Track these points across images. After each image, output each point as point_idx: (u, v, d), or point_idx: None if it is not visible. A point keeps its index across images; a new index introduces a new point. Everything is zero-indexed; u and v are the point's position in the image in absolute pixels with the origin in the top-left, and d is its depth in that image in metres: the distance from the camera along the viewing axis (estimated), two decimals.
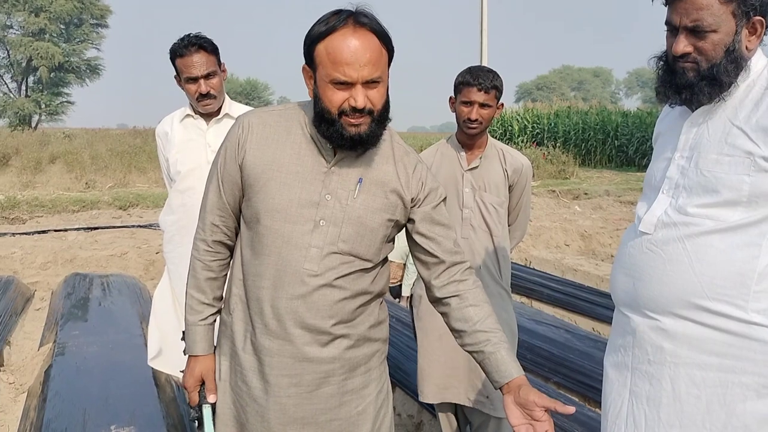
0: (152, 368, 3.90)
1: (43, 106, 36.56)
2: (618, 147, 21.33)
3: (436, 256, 1.74)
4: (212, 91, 2.81)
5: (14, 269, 6.98)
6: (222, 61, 2.88)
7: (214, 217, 1.75)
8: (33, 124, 35.44)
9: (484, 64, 18.62)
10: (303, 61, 1.63)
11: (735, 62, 1.53)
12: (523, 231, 2.92)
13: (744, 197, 1.50)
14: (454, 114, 2.68)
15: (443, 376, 2.74)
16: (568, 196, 12.47)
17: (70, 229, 8.96)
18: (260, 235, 1.65)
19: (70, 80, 38.11)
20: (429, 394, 2.77)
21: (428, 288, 1.78)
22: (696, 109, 1.62)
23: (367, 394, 1.76)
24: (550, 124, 23.31)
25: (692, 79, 1.56)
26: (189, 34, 2.79)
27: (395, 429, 1.90)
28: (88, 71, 38.46)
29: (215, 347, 1.83)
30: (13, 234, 8.63)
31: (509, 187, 2.75)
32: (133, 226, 9.28)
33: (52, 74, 36.05)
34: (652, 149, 1.84)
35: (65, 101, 38.40)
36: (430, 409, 3.60)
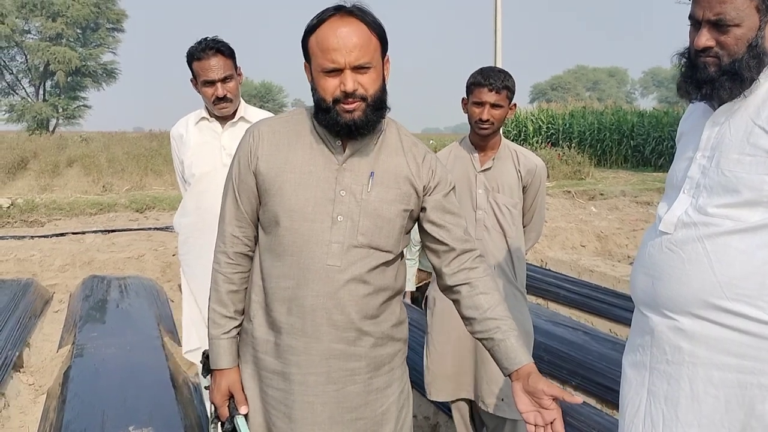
0: (170, 370, 3.94)
1: (60, 110, 36.94)
2: (634, 147, 21.17)
3: (446, 244, 1.76)
4: (229, 95, 2.83)
5: (33, 272, 7.05)
6: (238, 64, 2.90)
7: (234, 228, 1.77)
8: (51, 128, 35.83)
9: (498, 64, 18.55)
10: None
11: (757, 58, 1.51)
12: (538, 232, 2.91)
13: (765, 198, 1.49)
14: (467, 115, 2.68)
15: (456, 377, 2.75)
16: (583, 197, 12.39)
17: (88, 232, 9.03)
18: (280, 237, 1.67)
19: (87, 84, 38.49)
20: (441, 392, 2.77)
21: (439, 276, 1.80)
22: (718, 106, 1.60)
23: (390, 394, 1.77)
24: (565, 125, 23.19)
25: (713, 74, 1.55)
26: (206, 38, 2.81)
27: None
28: (104, 75, 38.83)
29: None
30: (32, 237, 8.71)
31: (523, 188, 2.74)
32: (149, 229, 9.34)
33: (69, 78, 36.41)
34: (668, 149, 1.84)
35: (82, 105, 38.79)
36: (446, 411, 3.59)
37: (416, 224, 1.82)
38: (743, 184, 1.50)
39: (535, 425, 1.56)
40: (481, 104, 2.60)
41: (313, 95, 1.66)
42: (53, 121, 37.10)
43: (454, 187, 1.80)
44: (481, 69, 2.65)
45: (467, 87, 2.66)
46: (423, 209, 1.76)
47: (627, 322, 5.00)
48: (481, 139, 2.70)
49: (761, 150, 1.49)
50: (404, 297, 3.40)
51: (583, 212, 10.98)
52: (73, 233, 8.95)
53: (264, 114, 2.92)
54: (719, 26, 1.52)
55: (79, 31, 37.20)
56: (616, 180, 15.77)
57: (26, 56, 36.62)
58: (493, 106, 2.59)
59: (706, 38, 1.54)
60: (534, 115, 24.50)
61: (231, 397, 1.80)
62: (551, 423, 1.54)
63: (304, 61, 1.68)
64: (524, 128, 23.94)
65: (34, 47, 35.43)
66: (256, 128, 1.76)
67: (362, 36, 1.58)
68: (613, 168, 20.18)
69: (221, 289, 1.80)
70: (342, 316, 1.66)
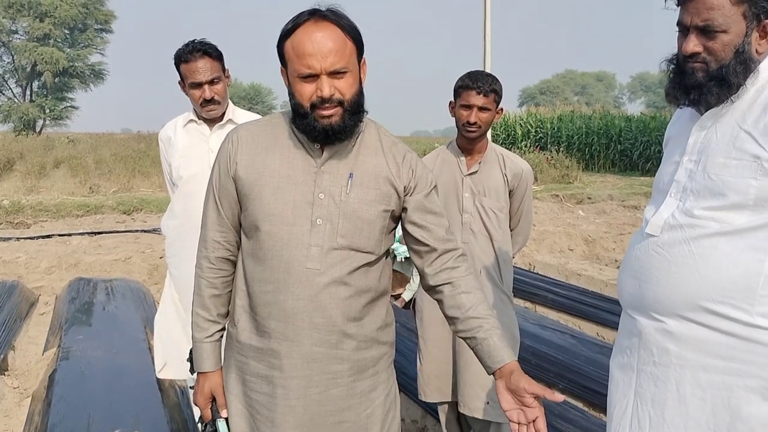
0: None
1: (47, 111, 36.69)
2: (621, 151, 21.32)
3: (428, 245, 1.75)
4: (216, 97, 2.82)
5: (19, 274, 7.00)
6: (226, 66, 2.89)
7: (215, 233, 1.78)
8: (37, 129, 35.57)
9: (487, 68, 18.61)
10: None
11: (744, 64, 1.53)
12: (525, 236, 2.92)
13: (750, 201, 1.50)
14: (454, 119, 2.69)
15: (444, 380, 2.76)
16: (571, 201, 12.45)
17: (75, 234, 8.98)
18: (261, 242, 1.67)
19: (75, 85, 38.25)
20: (435, 393, 2.78)
21: (422, 276, 1.80)
22: (705, 111, 1.62)
23: (375, 397, 1.77)
24: (554, 129, 23.31)
25: (701, 80, 1.57)
26: (194, 40, 2.80)
27: None
28: (92, 76, 38.61)
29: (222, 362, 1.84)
30: (18, 239, 8.65)
31: (509, 191, 2.75)
32: (136, 231, 9.30)
33: (57, 79, 36.18)
34: (656, 154, 1.86)
35: (69, 106, 38.54)
36: (434, 414, 3.59)
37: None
38: (729, 188, 1.52)
39: (518, 423, 1.56)
40: (468, 107, 2.61)
41: (290, 100, 1.66)
42: (40, 122, 36.83)
43: (435, 187, 1.79)
44: (469, 72, 2.66)
45: (455, 90, 2.66)
46: (404, 209, 1.75)
47: (614, 326, 5.03)
48: (468, 143, 2.71)
49: (747, 154, 1.50)
50: (399, 303, 3.42)
51: (571, 216, 11.03)
52: (60, 235, 8.90)
53: (252, 116, 2.91)
54: (707, 32, 1.53)
55: (66, 31, 37.00)
56: (603, 184, 15.86)
57: (13, 56, 36.36)
58: (481, 109, 2.60)
59: (693, 44, 1.56)
60: (523, 119, 24.61)
61: (214, 399, 1.81)
62: (533, 421, 1.55)
63: (280, 65, 1.68)
64: (513, 132, 24.04)
65: (22, 47, 35.18)
66: (235, 133, 1.76)
67: (337, 41, 1.57)
68: (600, 172, 20.31)
69: (204, 294, 1.80)
70: (323, 319, 1.65)
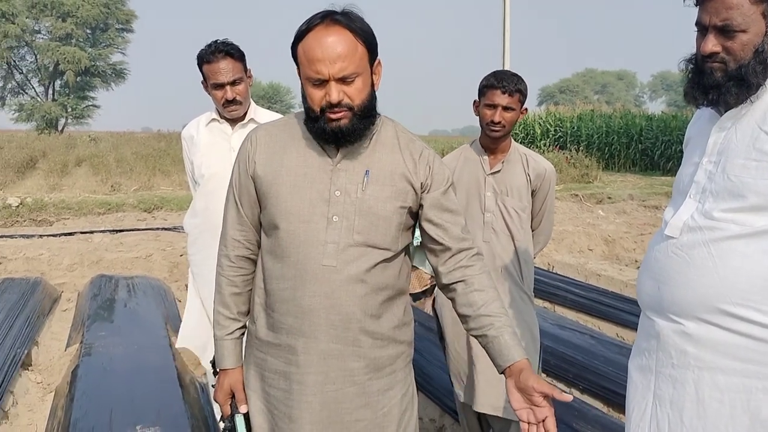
0: (177, 369, 3.96)
1: (69, 109, 37.16)
2: (642, 151, 21.10)
3: (443, 244, 1.76)
4: (238, 97, 2.85)
5: (42, 270, 7.10)
6: (248, 66, 2.91)
7: (235, 232, 1.81)
8: (59, 128, 36.02)
9: (506, 67, 18.56)
10: None
11: (763, 63, 1.52)
12: (547, 236, 2.91)
13: None
14: (478, 118, 2.69)
15: (466, 380, 2.76)
16: (591, 201, 12.36)
17: (96, 231, 9.08)
18: (279, 239, 1.70)
19: (96, 84, 38.72)
20: (464, 395, 2.77)
21: (436, 275, 1.81)
22: (724, 111, 1.61)
23: (392, 396, 1.77)
24: (573, 128, 23.13)
25: (720, 80, 1.56)
26: (216, 41, 2.82)
27: None
28: (113, 75, 39.06)
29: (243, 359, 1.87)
30: (41, 236, 8.77)
31: (532, 191, 2.75)
32: (157, 229, 9.38)
33: (79, 78, 36.63)
34: (677, 153, 1.85)
35: (91, 105, 39.02)
36: (452, 413, 3.60)
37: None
38: (749, 189, 1.51)
39: (528, 423, 1.56)
40: (493, 107, 2.60)
41: (303, 102, 1.68)
42: (62, 121, 37.31)
43: (452, 184, 1.79)
44: (494, 72, 2.66)
45: (480, 89, 2.66)
46: (421, 206, 1.76)
47: (634, 327, 4.99)
48: (491, 142, 2.71)
49: (767, 155, 1.50)
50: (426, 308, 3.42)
51: (591, 216, 10.96)
52: (82, 233, 9.00)
53: (274, 116, 2.94)
54: (726, 32, 1.52)
55: (88, 31, 37.43)
56: (624, 184, 15.73)
57: (36, 56, 36.85)
58: (505, 108, 2.60)
59: (712, 44, 1.55)
60: (542, 118, 24.45)
61: (234, 396, 1.84)
62: (543, 420, 1.55)
63: (296, 66, 1.69)
64: (532, 131, 23.90)
65: (44, 47, 35.65)
66: (254, 134, 1.79)
67: (347, 46, 1.58)
68: (621, 172, 20.13)
69: (224, 292, 1.83)
70: (339, 316, 1.67)
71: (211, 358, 1.94)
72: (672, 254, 1.65)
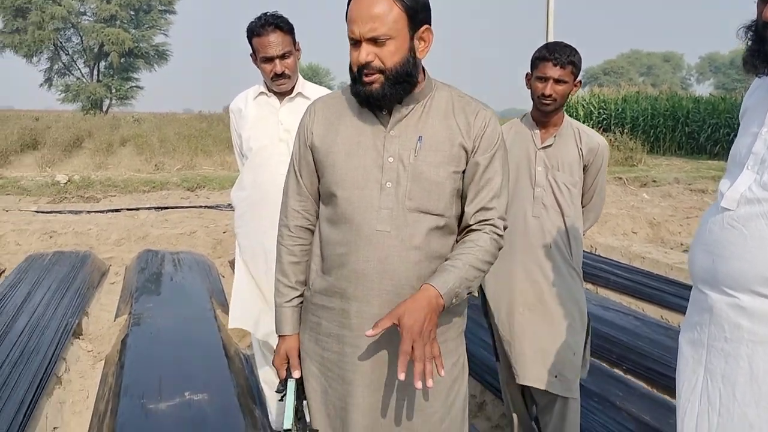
0: (222, 341, 4.03)
1: (113, 90, 37.88)
2: (688, 134, 20.59)
3: (463, 212, 1.75)
4: (287, 71, 2.85)
5: (90, 245, 7.30)
6: (297, 40, 2.91)
7: (294, 203, 1.84)
8: (104, 108, 36.73)
9: None
10: None
11: None
12: (597, 213, 2.87)
13: None
14: (530, 91, 2.64)
15: (515, 353, 2.74)
16: (635, 184, 12.14)
17: (142, 208, 9.28)
18: (335, 206, 1.73)
19: (139, 65, 39.37)
20: (521, 376, 2.71)
21: None
22: None
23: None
24: (618, 110, 22.67)
25: None
26: (266, 13, 2.82)
27: None
28: (156, 57, 39.63)
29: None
30: (89, 212, 9.00)
31: (584, 167, 2.70)
32: (201, 207, 9.54)
33: (122, 60, 37.27)
34: (724, 137, 1.80)
35: (134, 86, 39.72)
36: (493, 389, 3.60)
37: None
38: None
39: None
40: (544, 79, 2.55)
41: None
42: (107, 102, 38.04)
43: (499, 149, 1.75)
44: (546, 43, 2.61)
45: (532, 61, 2.62)
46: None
47: (680, 309, 4.91)
48: (542, 116, 2.66)
49: None
50: None
51: (635, 199, 10.78)
52: (128, 209, 9.21)
53: (322, 90, 2.94)
54: None
55: (132, 12, 37.99)
56: (669, 167, 15.40)
57: (81, 37, 37.59)
58: (557, 81, 2.54)
59: None
60: (585, 100, 24.03)
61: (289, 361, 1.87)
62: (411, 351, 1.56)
63: None
64: (575, 113, 23.52)
65: (89, 28, 36.33)
66: (312, 106, 1.84)
67: (382, 7, 1.58)
68: (666, 155, 19.69)
69: (284, 261, 1.86)
70: (392, 282, 1.68)
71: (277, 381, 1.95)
72: (728, 226, 1.60)
